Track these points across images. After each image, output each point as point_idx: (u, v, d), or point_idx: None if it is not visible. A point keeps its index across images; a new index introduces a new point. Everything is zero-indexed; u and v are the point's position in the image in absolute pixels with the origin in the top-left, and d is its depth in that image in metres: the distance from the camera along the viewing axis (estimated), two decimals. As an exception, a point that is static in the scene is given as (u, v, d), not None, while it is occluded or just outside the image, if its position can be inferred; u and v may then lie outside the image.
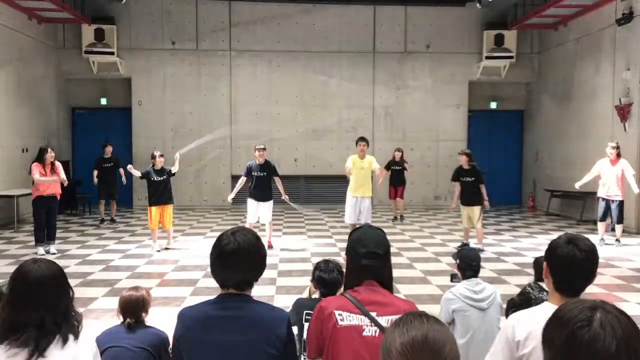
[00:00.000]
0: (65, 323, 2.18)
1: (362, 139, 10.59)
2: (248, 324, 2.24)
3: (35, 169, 9.39)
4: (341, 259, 3.28)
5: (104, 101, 16.78)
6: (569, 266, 2.22)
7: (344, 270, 2.65)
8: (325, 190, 16.59)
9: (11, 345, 2.11)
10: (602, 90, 13.24)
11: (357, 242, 2.38)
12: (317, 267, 3.81)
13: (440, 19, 16.57)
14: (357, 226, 2.60)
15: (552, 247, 2.29)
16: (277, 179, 10.28)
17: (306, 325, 3.46)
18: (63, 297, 2.23)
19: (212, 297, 2.38)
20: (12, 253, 9.60)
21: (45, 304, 2.16)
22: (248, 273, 2.31)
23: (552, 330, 1.43)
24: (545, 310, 2.24)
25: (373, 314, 2.25)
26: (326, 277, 3.70)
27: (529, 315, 2.26)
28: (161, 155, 10.24)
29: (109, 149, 13.24)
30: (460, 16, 16.50)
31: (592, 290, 6.96)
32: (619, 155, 10.47)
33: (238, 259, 2.25)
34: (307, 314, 3.56)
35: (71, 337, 2.18)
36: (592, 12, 13.36)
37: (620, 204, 10.44)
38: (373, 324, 2.24)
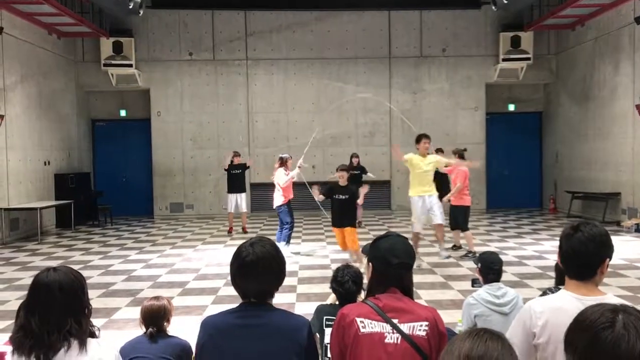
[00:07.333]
0: (75, 333, 2.14)
1: (425, 135, 9.21)
2: (269, 332, 2.26)
3: (286, 175, 10.25)
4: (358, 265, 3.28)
5: (123, 113, 17.00)
6: (573, 250, 2.22)
7: (364, 276, 2.65)
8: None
9: (18, 353, 2.11)
10: (622, 89, 13.07)
11: (389, 252, 2.37)
12: (335, 276, 3.82)
13: (455, 22, 16.51)
14: (385, 233, 2.54)
15: (561, 234, 2.33)
16: None
17: (327, 330, 3.47)
18: (74, 306, 2.18)
19: (234, 305, 2.40)
20: (36, 265, 9.72)
21: (53, 311, 2.14)
22: (268, 283, 2.34)
23: (574, 334, 1.42)
24: (561, 298, 2.22)
25: (395, 320, 2.25)
26: (341, 289, 3.72)
27: (546, 303, 2.26)
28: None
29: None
30: (475, 19, 16.43)
31: (618, 293, 6.85)
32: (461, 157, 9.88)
33: (257, 270, 2.28)
34: (327, 319, 3.57)
35: (78, 347, 2.13)
36: (610, 11, 13.21)
37: (451, 208, 9.84)
38: (395, 331, 2.23)
